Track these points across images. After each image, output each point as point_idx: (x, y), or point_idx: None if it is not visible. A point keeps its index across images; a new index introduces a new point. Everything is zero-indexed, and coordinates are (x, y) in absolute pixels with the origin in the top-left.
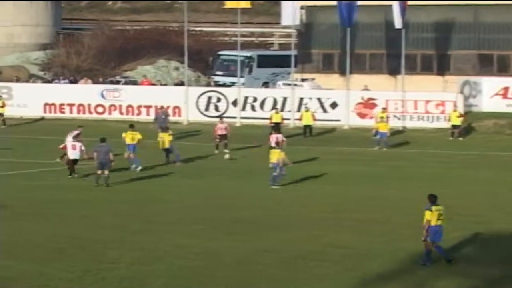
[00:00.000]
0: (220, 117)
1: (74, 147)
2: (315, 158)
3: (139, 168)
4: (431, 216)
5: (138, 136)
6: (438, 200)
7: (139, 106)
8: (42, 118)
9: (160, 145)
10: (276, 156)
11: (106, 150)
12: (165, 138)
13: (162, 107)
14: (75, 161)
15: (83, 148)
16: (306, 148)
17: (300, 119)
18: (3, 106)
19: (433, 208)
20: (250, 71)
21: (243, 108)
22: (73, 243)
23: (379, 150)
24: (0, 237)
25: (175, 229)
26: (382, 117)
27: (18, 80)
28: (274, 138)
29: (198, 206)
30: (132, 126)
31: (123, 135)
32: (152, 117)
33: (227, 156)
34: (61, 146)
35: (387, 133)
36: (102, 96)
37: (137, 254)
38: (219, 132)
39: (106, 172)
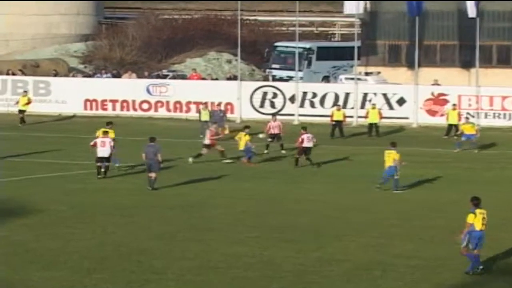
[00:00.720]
0: (273, 114)
1: (103, 144)
2: (382, 159)
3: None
4: (474, 220)
5: (111, 134)
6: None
7: (188, 103)
8: (74, 116)
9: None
10: (392, 157)
11: (154, 150)
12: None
13: (219, 104)
14: (105, 159)
15: (112, 144)
16: (372, 148)
17: (366, 117)
18: (28, 103)
19: (477, 211)
20: (309, 64)
21: (302, 105)
22: (118, 251)
23: (453, 152)
24: (36, 244)
25: (227, 236)
26: (467, 118)
27: (56, 74)
28: (305, 137)
29: (251, 212)
30: (109, 123)
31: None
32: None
33: (283, 152)
34: (92, 143)
35: (475, 134)
36: (148, 91)
37: (185, 264)
38: (272, 131)
39: (153, 174)
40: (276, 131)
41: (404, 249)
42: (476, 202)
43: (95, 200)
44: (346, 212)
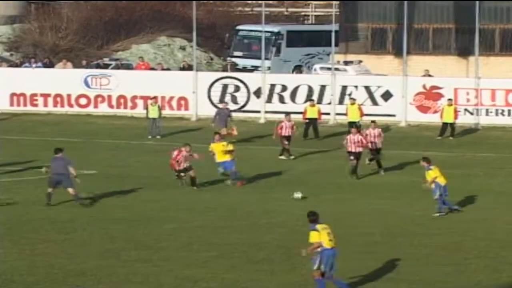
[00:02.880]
0: (287, 113)
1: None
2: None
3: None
4: (320, 237)
5: None
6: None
7: (134, 97)
8: None
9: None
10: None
11: (64, 163)
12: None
13: (226, 103)
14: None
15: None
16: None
17: (345, 114)
18: None
19: (319, 227)
20: (278, 52)
21: (269, 100)
22: (51, 275)
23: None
24: None
25: (181, 256)
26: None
27: None
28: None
29: (210, 227)
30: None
31: None
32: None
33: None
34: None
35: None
36: (86, 84)
37: None
38: (285, 133)
39: (71, 190)
40: (290, 132)
41: (393, 271)
42: (314, 218)
43: (24, 213)
44: None
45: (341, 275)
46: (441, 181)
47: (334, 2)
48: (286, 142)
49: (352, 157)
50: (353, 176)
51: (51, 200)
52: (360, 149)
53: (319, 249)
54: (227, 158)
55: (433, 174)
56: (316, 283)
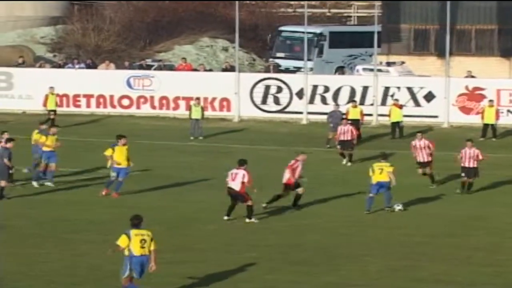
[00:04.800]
0: (344, 118)
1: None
2: (407, 165)
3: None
4: (125, 243)
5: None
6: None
7: (177, 98)
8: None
9: None
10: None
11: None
12: None
13: (338, 105)
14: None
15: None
16: (396, 152)
17: (388, 115)
18: None
19: (133, 232)
20: (321, 53)
21: (311, 101)
22: (92, 275)
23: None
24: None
25: (220, 258)
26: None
27: (23, 63)
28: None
29: (249, 229)
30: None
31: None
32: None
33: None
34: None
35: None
36: (129, 84)
37: None
38: (342, 138)
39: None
40: (348, 137)
41: (432, 272)
42: (136, 222)
43: (64, 214)
44: (361, 228)
45: (384, 274)
46: (373, 178)
47: (376, 3)
48: (340, 147)
49: (463, 174)
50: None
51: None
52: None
53: (126, 254)
54: None
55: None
56: None
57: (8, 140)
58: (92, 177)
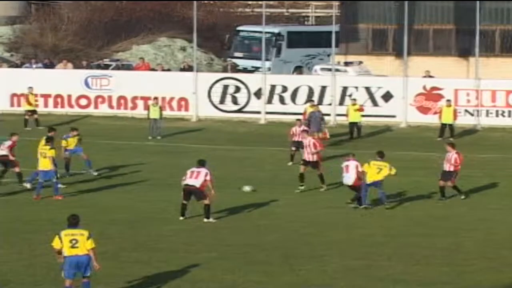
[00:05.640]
0: (299, 118)
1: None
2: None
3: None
4: (60, 244)
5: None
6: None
7: (135, 98)
8: None
9: None
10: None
11: None
12: None
13: (316, 105)
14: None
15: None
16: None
17: (345, 115)
18: None
19: (63, 232)
20: (279, 53)
21: (269, 101)
22: (50, 275)
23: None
24: None
25: (180, 257)
26: None
27: None
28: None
29: (211, 228)
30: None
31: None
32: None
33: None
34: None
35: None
36: (87, 84)
37: None
38: (296, 138)
39: None
40: (299, 138)
41: (392, 271)
42: (73, 222)
43: (23, 214)
44: (321, 228)
45: (343, 274)
46: (368, 177)
47: (334, 3)
48: (294, 148)
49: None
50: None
51: None
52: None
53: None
54: None
55: (365, 168)
56: None
57: None
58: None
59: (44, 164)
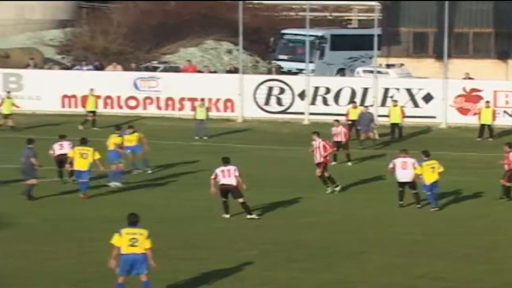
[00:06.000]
0: (337, 119)
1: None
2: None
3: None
4: (120, 242)
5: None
6: (139, 221)
7: (182, 99)
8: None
9: None
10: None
11: (29, 153)
12: None
13: (367, 107)
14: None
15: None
16: (394, 152)
17: (387, 116)
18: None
19: (124, 231)
20: (322, 55)
21: (313, 102)
22: (100, 272)
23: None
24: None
25: (223, 255)
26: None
27: (35, 65)
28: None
29: (251, 226)
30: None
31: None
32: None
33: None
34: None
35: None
36: (135, 86)
37: (178, 286)
38: (334, 139)
39: (32, 181)
40: (338, 138)
41: (430, 270)
42: (133, 220)
43: (73, 212)
44: (360, 226)
45: (382, 271)
46: (426, 179)
47: (376, 7)
48: (334, 148)
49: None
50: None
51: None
52: None
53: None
54: None
55: (418, 170)
56: (115, 287)
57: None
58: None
59: (81, 164)
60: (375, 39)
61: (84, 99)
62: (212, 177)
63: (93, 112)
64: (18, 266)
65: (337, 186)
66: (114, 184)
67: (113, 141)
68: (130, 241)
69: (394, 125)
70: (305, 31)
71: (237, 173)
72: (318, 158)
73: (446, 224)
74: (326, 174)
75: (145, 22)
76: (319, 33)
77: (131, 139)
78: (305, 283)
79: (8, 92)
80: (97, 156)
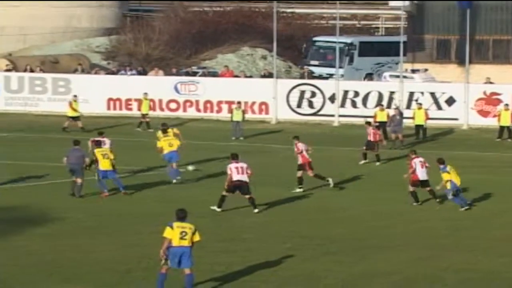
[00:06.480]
0: (368, 122)
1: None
2: (432, 164)
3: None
4: (171, 234)
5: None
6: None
7: (220, 102)
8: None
9: None
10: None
11: (79, 154)
12: None
13: (397, 107)
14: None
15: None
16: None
17: (412, 118)
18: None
19: (175, 224)
20: (351, 61)
21: (342, 105)
22: (143, 264)
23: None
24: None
25: (260, 247)
26: None
27: (82, 70)
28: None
29: (284, 221)
30: (164, 129)
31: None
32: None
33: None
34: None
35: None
36: (176, 90)
37: (216, 277)
38: (370, 138)
39: (79, 180)
40: (371, 137)
41: (455, 261)
42: (182, 216)
43: (117, 207)
44: (388, 222)
45: (409, 264)
46: (456, 181)
47: (402, 16)
48: (364, 148)
49: None
50: None
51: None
52: None
53: (166, 245)
54: None
55: (447, 176)
56: (158, 276)
57: (76, 142)
58: (143, 174)
59: (105, 165)
60: (401, 46)
61: (139, 102)
62: (229, 172)
63: (146, 114)
64: (67, 256)
65: (328, 181)
66: (177, 178)
67: (170, 139)
68: (180, 234)
69: (418, 127)
70: (335, 38)
71: (249, 171)
72: (301, 160)
73: (467, 220)
74: (310, 174)
75: (185, 30)
76: (349, 40)
77: (171, 142)
78: (339, 275)
79: (75, 96)
80: (112, 156)
